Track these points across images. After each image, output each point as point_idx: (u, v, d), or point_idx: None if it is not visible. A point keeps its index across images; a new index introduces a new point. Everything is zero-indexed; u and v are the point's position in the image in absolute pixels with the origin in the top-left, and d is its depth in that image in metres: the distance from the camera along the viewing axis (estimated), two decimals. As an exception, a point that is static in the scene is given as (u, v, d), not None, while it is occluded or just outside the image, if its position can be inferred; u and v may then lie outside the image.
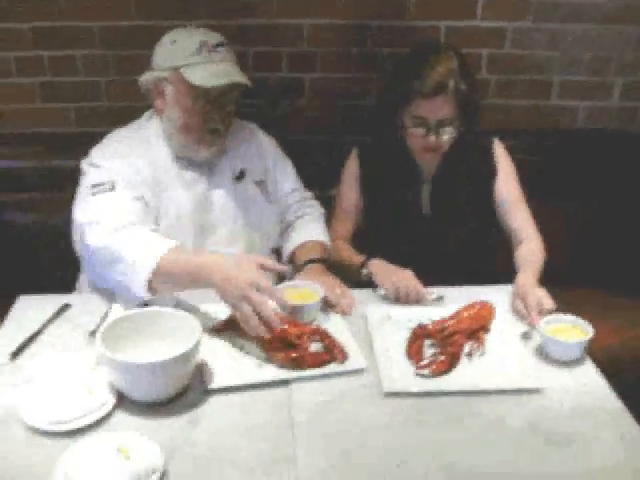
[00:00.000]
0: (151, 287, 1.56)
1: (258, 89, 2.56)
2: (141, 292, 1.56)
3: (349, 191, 2.05)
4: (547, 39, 2.61)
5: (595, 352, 1.55)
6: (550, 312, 1.60)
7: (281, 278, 2.05)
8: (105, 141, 1.86)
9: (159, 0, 2.45)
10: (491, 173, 1.98)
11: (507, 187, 1.98)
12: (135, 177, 1.76)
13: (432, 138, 1.84)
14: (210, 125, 1.78)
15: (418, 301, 1.71)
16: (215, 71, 1.72)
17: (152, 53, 1.82)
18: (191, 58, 1.73)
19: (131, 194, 1.72)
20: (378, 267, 1.79)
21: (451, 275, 1.79)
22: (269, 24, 2.52)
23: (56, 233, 2.03)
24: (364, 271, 1.80)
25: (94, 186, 1.71)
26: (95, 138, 1.90)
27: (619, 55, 2.66)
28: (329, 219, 2.12)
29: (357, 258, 1.88)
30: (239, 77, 1.74)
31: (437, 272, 1.74)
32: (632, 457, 1.26)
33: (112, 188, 1.70)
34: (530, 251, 1.88)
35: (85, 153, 1.85)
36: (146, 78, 1.82)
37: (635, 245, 2.49)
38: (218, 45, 1.76)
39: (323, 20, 2.54)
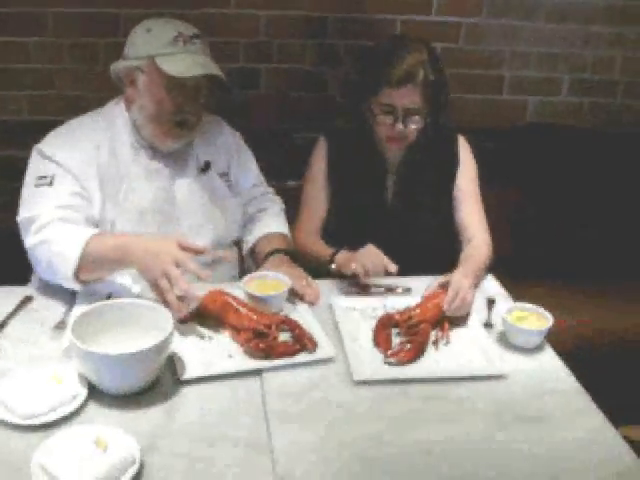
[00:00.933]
0: (80, 277, 1.61)
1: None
2: (71, 283, 1.62)
3: (317, 179, 2.05)
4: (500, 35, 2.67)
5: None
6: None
7: (243, 270, 2.07)
8: (62, 128, 1.82)
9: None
10: (454, 165, 2.02)
11: (465, 182, 2.01)
12: (83, 168, 1.73)
13: (399, 127, 1.86)
14: (180, 117, 1.76)
15: (387, 269, 1.72)
16: (190, 62, 1.70)
17: (126, 41, 1.79)
18: (167, 48, 1.70)
19: (70, 189, 1.70)
20: (343, 258, 1.81)
21: (417, 265, 1.82)
22: (227, 14, 2.51)
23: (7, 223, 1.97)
24: (332, 266, 1.81)
25: (37, 178, 1.71)
26: (48, 127, 1.86)
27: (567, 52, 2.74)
28: (292, 211, 2.12)
29: (325, 252, 1.88)
30: (214, 69, 1.73)
31: (403, 262, 1.77)
32: (590, 430, 1.34)
33: (51, 183, 1.70)
34: (474, 251, 1.90)
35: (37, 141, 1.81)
36: (118, 67, 1.78)
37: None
38: (193, 37, 1.73)
39: (281, 11, 2.54)
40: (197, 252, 1.58)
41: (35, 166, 1.74)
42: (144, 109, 1.76)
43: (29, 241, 1.66)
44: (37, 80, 2.50)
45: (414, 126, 1.89)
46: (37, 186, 1.70)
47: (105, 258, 1.61)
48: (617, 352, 2.26)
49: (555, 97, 2.81)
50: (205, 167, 1.92)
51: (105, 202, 1.76)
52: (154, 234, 1.78)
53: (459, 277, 1.68)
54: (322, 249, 1.92)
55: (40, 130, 1.85)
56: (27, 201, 1.70)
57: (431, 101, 1.86)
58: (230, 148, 2.01)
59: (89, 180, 1.73)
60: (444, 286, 1.68)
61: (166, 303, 1.50)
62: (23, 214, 1.70)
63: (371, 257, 1.73)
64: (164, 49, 1.70)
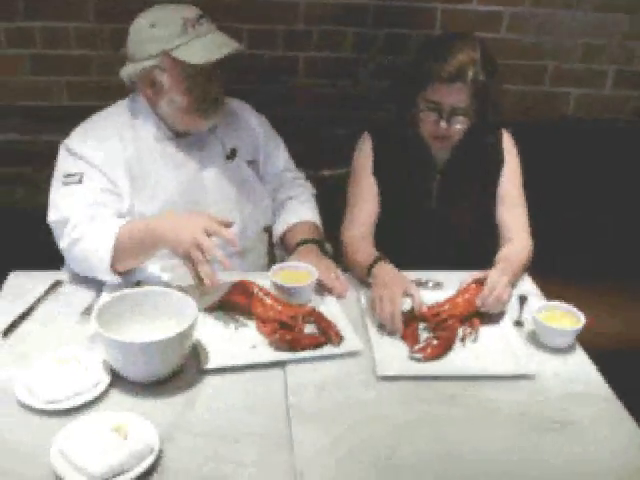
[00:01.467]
0: (117, 269, 1.61)
1: (253, 67, 2.58)
2: (109, 276, 1.62)
3: (367, 176, 1.96)
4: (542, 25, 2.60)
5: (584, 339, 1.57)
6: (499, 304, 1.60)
7: (272, 258, 2.06)
8: (87, 123, 1.81)
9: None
10: (499, 165, 1.95)
11: (509, 183, 1.95)
12: (111, 163, 1.73)
13: (443, 125, 1.80)
14: (211, 95, 1.74)
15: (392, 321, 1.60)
16: (208, 44, 1.67)
17: (128, 41, 1.72)
18: (179, 38, 1.66)
19: (99, 185, 1.70)
20: (378, 276, 1.69)
21: (455, 261, 1.79)
22: (267, 1, 2.50)
23: (46, 207, 2.00)
24: (370, 279, 1.72)
25: (65, 176, 1.71)
26: (85, 112, 1.86)
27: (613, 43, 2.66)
28: (325, 201, 2.08)
29: (365, 261, 1.76)
30: (233, 44, 1.70)
31: (441, 258, 1.74)
32: (620, 441, 1.29)
33: (80, 181, 1.69)
34: (513, 251, 1.84)
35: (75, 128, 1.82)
36: (130, 71, 1.73)
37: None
38: (199, 17, 1.70)
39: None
40: (226, 225, 1.56)
41: (63, 163, 1.74)
42: (174, 103, 1.73)
43: (63, 243, 1.67)
44: (76, 66, 2.52)
45: (459, 126, 1.82)
46: (66, 184, 1.70)
47: (137, 244, 1.60)
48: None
49: (599, 90, 2.73)
50: (231, 154, 1.90)
51: (134, 195, 1.76)
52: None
53: (497, 274, 1.64)
54: (363, 257, 1.78)
55: (79, 116, 1.86)
56: (56, 202, 1.70)
57: (479, 101, 1.79)
58: (256, 133, 1.98)
59: (117, 174, 1.73)
60: (479, 281, 1.64)
61: (198, 277, 1.50)
62: (54, 216, 1.70)
63: (389, 308, 1.58)
64: (177, 40, 1.66)
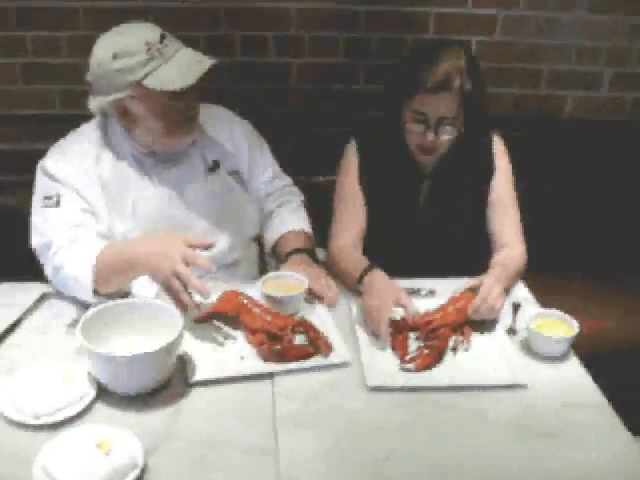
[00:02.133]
0: (100, 292, 1.59)
1: (244, 73, 2.57)
2: (94, 300, 1.59)
3: (353, 182, 1.93)
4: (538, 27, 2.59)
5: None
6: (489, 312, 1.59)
7: (263, 268, 2.04)
8: (62, 143, 1.78)
9: (145, -19, 2.41)
10: (490, 171, 1.92)
11: (501, 189, 1.92)
12: (86, 184, 1.70)
13: (430, 136, 1.77)
14: (188, 114, 1.71)
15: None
16: (179, 67, 1.61)
17: (90, 74, 1.66)
18: (146, 67, 1.59)
19: (77, 206, 1.69)
20: (369, 285, 1.67)
21: (447, 268, 1.77)
22: (257, 7, 2.48)
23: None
24: (361, 287, 1.71)
25: (44, 198, 1.70)
26: (78, 120, 1.86)
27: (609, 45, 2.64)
28: (317, 208, 2.06)
29: (355, 270, 1.74)
30: (205, 61, 1.62)
31: (433, 265, 1.72)
32: (615, 448, 1.27)
33: (57, 203, 1.68)
34: (508, 257, 1.82)
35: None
36: (98, 104, 1.68)
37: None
38: (162, 38, 1.61)
39: (311, 4, 2.50)
40: (206, 247, 1.53)
41: (40, 185, 1.73)
42: (152, 129, 1.68)
43: (47, 270, 1.67)
44: (69, 74, 2.51)
45: (446, 137, 1.79)
46: (44, 207, 1.68)
47: (116, 270, 1.57)
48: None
49: (596, 92, 2.70)
50: (214, 166, 1.86)
51: (112, 214, 1.74)
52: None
53: (490, 282, 1.61)
54: (354, 266, 1.76)
55: (71, 124, 1.86)
56: (37, 226, 1.69)
57: (466, 110, 1.76)
58: (240, 142, 1.93)
59: (93, 195, 1.71)
60: (473, 289, 1.62)
61: (180, 304, 1.48)
62: (36, 240, 1.68)
63: (377, 317, 1.56)
64: (145, 69, 1.59)
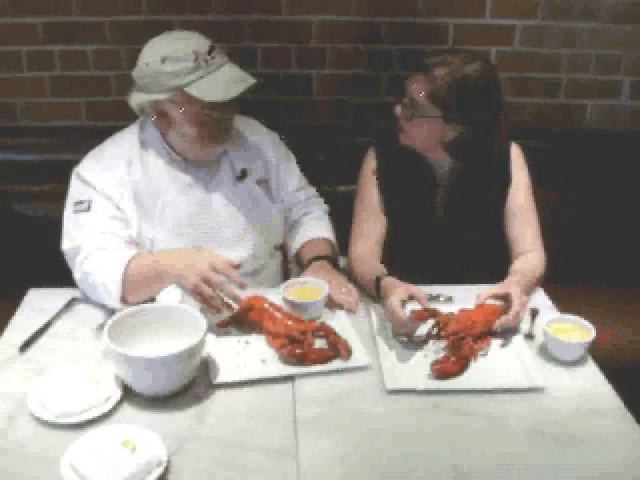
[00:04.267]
0: (127, 301, 1.63)
1: (267, 85, 2.61)
2: (121, 306, 1.62)
3: (372, 190, 1.95)
4: (556, 37, 2.61)
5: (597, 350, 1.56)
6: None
7: (286, 275, 2.07)
8: (97, 150, 1.84)
9: (170, -5, 2.47)
10: (506, 180, 1.94)
11: (518, 196, 1.93)
12: (118, 190, 1.75)
13: (397, 109, 1.82)
14: (222, 125, 1.76)
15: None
16: (222, 80, 1.67)
17: (137, 71, 1.72)
18: (191, 75, 1.64)
19: (107, 213, 1.73)
20: (383, 290, 1.70)
21: (466, 276, 1.79)
22: (279, 20, 2.53)
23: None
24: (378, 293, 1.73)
25: (75, 203, 1.75)
26: (105, 132, 1.91)
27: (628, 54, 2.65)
28: (340, 217, 2.08)
29: (372, 276, 1.76)
30: (248, 79, 1.69)
31: (450, 272, 1.74)
32: (632, 457, 1.28)
33: (88, 208, 1.72)
34: (529, 264, 1.84)
35: (94, 147, 1.86)
36: (140, 101, 1.74)
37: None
38: (210, 50, 1.67)
39: (332, 17, 2.54)
40: (234, 266, 1.56)
41: (74, 190, 1.78)
42: (186, 135, 1.74)
43: (75, 274, 1.71)
44: (95, 86, 2.58)
45: (413, 122, 1.81)
46: (76, 212, 1.73)
47: (145, 281, 1.62)
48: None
49: (615, 101, 2.71)
50: (242, 175, 1.90)
51: (142, 220, 1.78)
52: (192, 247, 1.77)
53: (519, 292, 1.63)
54: (371, 272, 1.78)
55: (97, 135, 1.91)
56: (68, 230, 1.74)
57: (443, 108, 1.77)
58: (268, 152, 1.97)
59: (125, 200, 1.76)
60: (497, 296, 1.64)
61: (211, 309, 1.54)
62: (66, 245, 1.73)
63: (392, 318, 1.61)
64: (190, 76, 1.64)
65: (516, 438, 1.32)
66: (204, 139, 1.75)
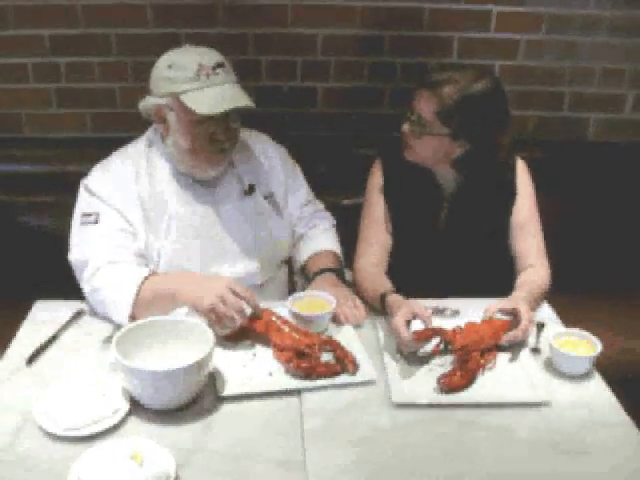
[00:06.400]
0: (135, 318, 1.62)
1: (271, 97, 2.63)
2: (126, 323, 1.61)
3: (378, 204, 1.96)
4: (560, 51, 2.62)
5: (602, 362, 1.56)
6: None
7: (293, 288, 2.07)
8: (105, 161, 1.85)
9: (175, 8, 2.48)
10: (512, 194, 1.94)
11: (523, 211, 1.93)
12: (126, 202, 1.76)
13: (406, 127, 1.82)
14: (217, 146, 1.75)
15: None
16: (216, 95, 1.67)
17: (151, 74, 1.76)
18: (190, 84, 1.66)
19: (115, 225, 1.74)
20: (388, 308, 1.70)
21: (471, 290, 1.79)
22: (284, 33, 2.55)
23: (69, 237, 2.05)
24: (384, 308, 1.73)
25: (83, 215, 1.75)
26: (110, 144, 1.92)
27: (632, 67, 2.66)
28: (344, 230, 2.09)
29: (377, 291, 1.76)
30: (241, 99, 1.69)
31: (454, 285, 1.73)
32: (637, 468, 1.28)
33: (96, 221, 1.73)
34: (534, 279, 1.84)
35: (99, 159, 1.87)
36: (145, 104, 1.76)
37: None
38: (216, 66, 1.69)
39: (337, 30, 2.56)
40: (249, 296, 1.58)
41: (81, 202, 1.79)
42: (179, 144, 1.74)
43: (84, 288, 1.71)
44: (100, 98, 2.59)
45: (418, 140, 1.81)
46: (83, 224, 1.74)
47: (157, 302, 1.62)
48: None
49: (618, 114, 2.73)
50: (249, 190, 1.90)
51: (149, 233, 1.78)
52: (198, 260, 1.81)
53: (527, 308, 1.63)
54: (376, 287, 1.78)
55: (102, 147, 1.93)
56: (76, 241, 1.74)
57: (449, 126, 1.76)
58: (275, 167, 1.98)
59: (133, 213, 1.76)
60: (504, 311, 1.65)
61: (223, 326, 1.55)
62: (74, 255, 1.74)
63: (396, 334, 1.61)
64: (187, 85, 1.66)
65: (522, 451, 1.32)
66: (197, 155, 1.75)
